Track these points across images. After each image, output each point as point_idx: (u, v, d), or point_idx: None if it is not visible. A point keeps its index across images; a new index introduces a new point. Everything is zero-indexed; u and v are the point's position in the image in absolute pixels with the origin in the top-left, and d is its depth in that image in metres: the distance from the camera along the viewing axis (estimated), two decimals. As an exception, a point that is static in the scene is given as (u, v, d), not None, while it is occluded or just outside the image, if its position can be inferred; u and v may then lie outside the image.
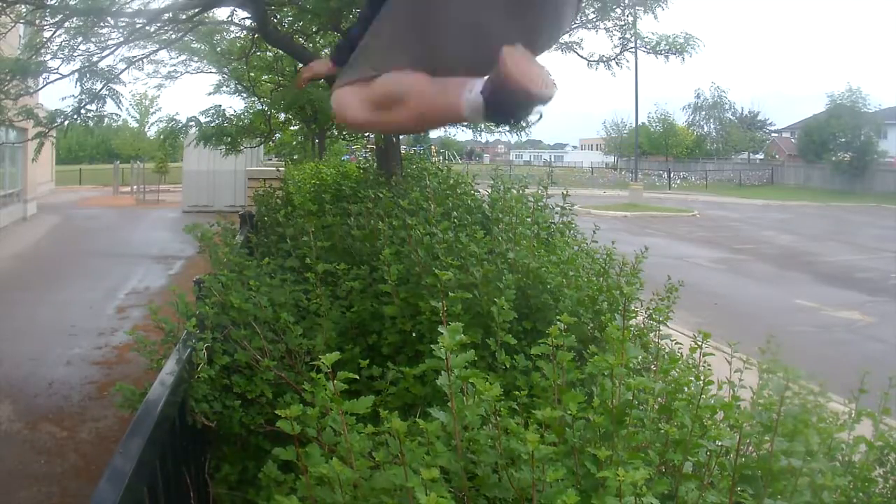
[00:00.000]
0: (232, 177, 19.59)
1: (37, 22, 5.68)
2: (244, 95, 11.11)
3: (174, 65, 8.74)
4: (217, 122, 7.21)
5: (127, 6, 5.37)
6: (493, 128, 7.24)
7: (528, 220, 3.67)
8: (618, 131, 63.87)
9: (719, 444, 1.64)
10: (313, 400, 1.65)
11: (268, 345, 2.75)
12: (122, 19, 5.47)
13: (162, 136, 7.84)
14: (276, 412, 1.60)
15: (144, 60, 6.43)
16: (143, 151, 33.42)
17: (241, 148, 8.55)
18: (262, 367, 2.65)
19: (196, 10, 5.74)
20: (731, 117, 58.34)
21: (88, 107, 5.93)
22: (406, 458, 1.46)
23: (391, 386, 2.58)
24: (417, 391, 2.47)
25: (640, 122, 48.42)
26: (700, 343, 2.45)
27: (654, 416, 1.75)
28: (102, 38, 5.77)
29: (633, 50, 6.72)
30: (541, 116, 1.42)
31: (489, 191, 4.62)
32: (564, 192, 4.43)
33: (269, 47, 8.02)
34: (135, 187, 27.66)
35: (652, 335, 2.76)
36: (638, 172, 40.11)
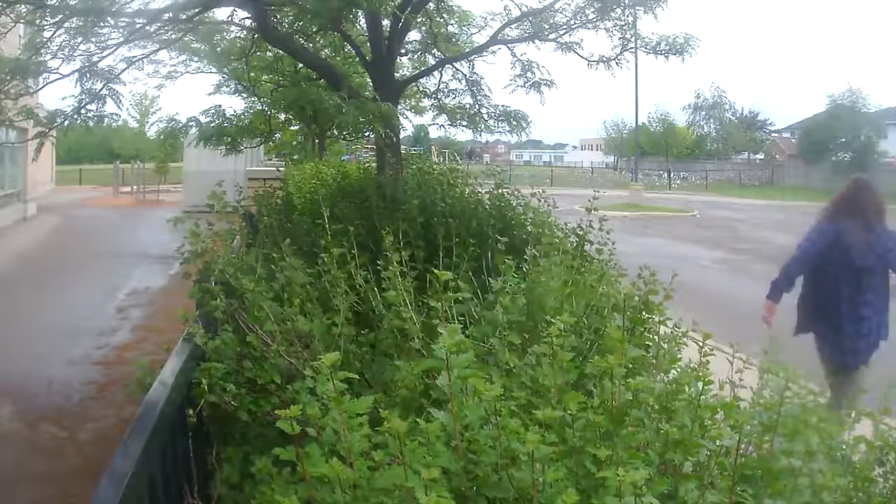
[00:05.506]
0: (232, 177, 19.61)
1: (37, 22, 5.67)
2: (244, 95, 11.13)
3: (174, 65, 8.75)
4: (217, 122, 7.20)
5: (127, 6, 5.37)
6: (492, 128, 7.24)
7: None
8: (618, 131, 63.85)
9: (719, 444, 1.63)
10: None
11: (278, 328, 2.75)
12: (122, 19, 5.46)
13: (162, 136, 7.83)
14: (282, 399, 1.59)
15: (144, 60, 6.42)
16: (143, 151, 33.44)
17: (242, 148, 8.56)
18: (272, 353, 2.65)
19: (196, 10, 5.74)
20: (731, 117, 58.25)
21: (88, 107, 5.92)
22: (406, 458, 1.46)
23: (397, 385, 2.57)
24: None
25: (640, 122, 48.43)
26: (701, 343, 2.45)
27: (654, 416, 1.75)
28: (102, 38, 5.76)
29: (633, 50, 6.71)
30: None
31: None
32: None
33: (269, 47, 8.02)
34: (135, 187, 27.69)
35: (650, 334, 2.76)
36: (638, 172, 40.14)
